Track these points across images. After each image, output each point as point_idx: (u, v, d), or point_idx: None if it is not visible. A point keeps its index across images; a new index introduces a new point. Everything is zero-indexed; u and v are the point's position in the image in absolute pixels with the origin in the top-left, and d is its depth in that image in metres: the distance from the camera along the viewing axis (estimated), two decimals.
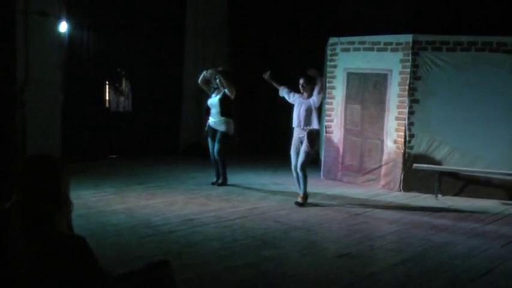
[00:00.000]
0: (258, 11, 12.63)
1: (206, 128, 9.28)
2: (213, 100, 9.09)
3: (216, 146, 9.09)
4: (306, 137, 7.92)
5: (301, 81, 7.99)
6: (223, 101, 8.99)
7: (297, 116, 8.03)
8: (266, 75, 8.42)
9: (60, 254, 2.43)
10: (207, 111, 9.25)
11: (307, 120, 7.94)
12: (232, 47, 13.11)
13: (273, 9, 12.45)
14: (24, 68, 9.65)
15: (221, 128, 9.06)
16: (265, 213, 7.56)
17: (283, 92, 8.33)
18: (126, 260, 5.27)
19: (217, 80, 9.04)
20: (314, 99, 7.90)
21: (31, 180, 2.54)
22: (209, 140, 9.24)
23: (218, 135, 9.08)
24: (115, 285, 2.63)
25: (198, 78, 9.30)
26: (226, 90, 8.98)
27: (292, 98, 8.20)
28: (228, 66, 11.51)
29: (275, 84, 8.43)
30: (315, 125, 7.97)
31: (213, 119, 9.12)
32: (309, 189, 8.13)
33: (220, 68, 9.37)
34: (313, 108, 7.92)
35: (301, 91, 8.05)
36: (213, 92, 9.19)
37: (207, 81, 9.20)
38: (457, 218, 7.73)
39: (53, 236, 2.47)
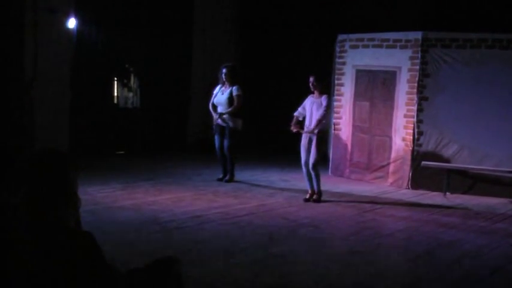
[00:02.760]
0: (267, 7, 12.60)
1: (213, 126, 9.23)
2: (221, 98, 9.03)
3: (226, 142, 9.03)
4: (314, 136, 7.88)
5: (311, 79, 7.92)
6: (231, 99, 8.95)
7: (309, 115, 7.98)
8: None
9: (67, 249, 2.42)
10: (213, 108, 9.18)
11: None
12: (241, 43, 13.08)
13: (282, 6, 12.41)
14: (33, 64, 9.68)
15: (229, 124, 9.02)
16: (273, 210, 7.55)
17: (300, 115, 8.15)
18: (134, 256, 5.26)
19: (223, 75, 8.99)
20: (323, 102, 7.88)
21: (38, 175, 2.54)
22: (216, 137, 9.20)
23: (227, 132, 9.04)
24: (122, 282, 2.62)
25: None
26: (233, 89, 8.93)
27: (306, 104, 8.07)
28: (237, 62, 11.47)
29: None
30: (323, 125, 7.94)
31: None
32: None
33: (229, 64, 9.32)
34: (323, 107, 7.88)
35: (312, 89, 7.99)
36: (219, 89, 9.13)
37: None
38: (466, 216, 7.70)
39: (60, 231, 2.46)
